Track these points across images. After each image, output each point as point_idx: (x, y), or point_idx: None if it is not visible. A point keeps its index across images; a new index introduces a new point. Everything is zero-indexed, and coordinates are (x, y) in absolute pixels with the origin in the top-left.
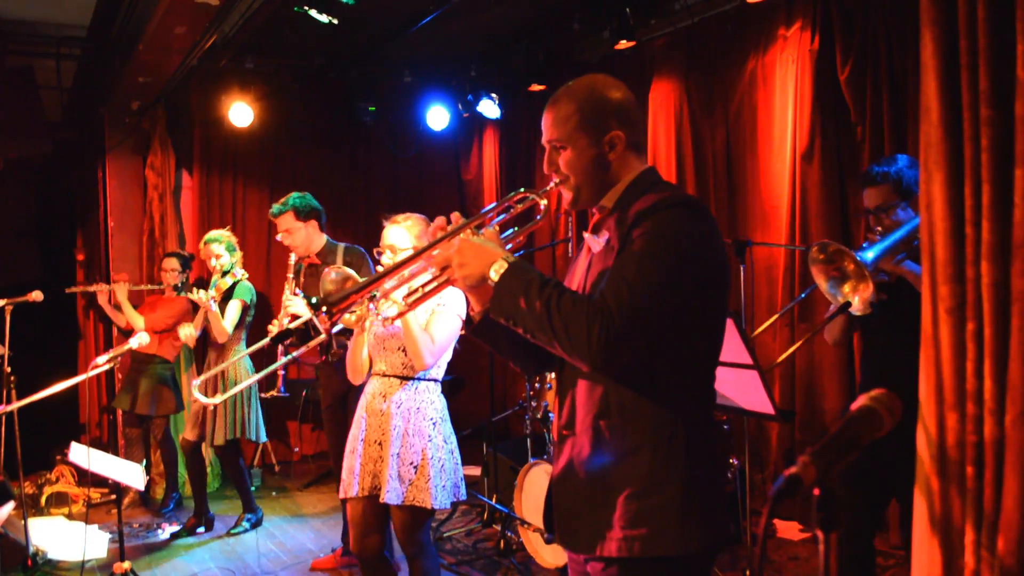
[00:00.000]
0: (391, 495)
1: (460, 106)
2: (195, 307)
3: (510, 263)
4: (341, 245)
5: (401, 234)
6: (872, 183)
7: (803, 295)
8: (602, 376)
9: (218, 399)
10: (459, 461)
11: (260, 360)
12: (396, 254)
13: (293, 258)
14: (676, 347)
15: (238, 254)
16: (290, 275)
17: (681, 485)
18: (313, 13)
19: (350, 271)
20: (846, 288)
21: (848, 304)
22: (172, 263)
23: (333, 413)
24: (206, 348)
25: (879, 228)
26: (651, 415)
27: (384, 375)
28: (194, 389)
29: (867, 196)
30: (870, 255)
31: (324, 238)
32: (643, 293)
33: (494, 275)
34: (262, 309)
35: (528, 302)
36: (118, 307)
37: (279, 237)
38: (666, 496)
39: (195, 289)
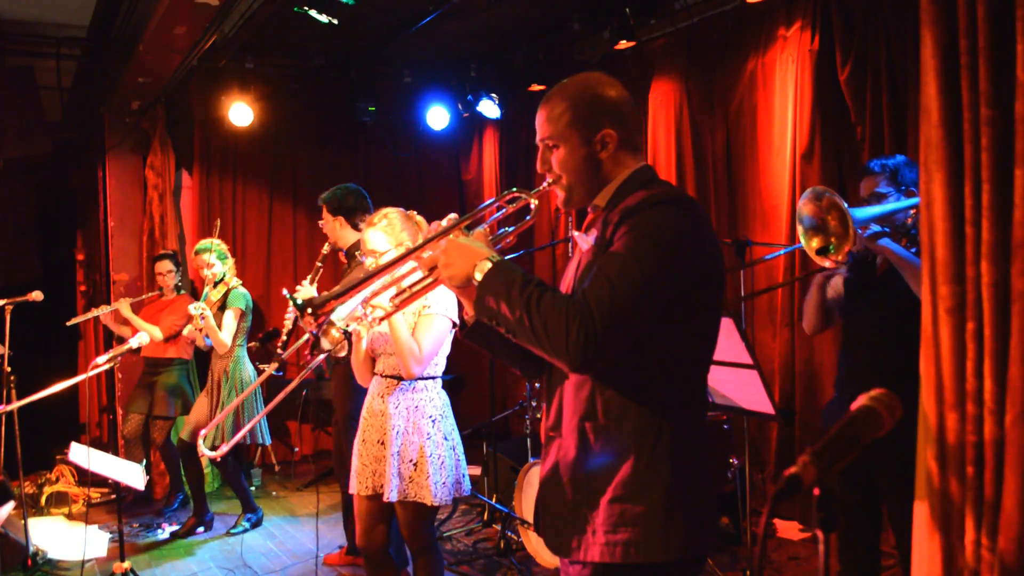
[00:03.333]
0: (392, 493)
1: (460, 106)
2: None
3: (494, 263)
4: None
5: (379, 237)
6: (869, 173)
7: (796, 246)
8: (589, 377)
9: (222, 450)
10: (461, 457)
11: (257, 366)
12: (379, 257)
13: (327, 248)
14: (662, 348)
15: (230, 261)
16: (318, 263)
17: (665, 491)
18: (313, 13)
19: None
20: (815, 241)
21: (823, 251)
22: (166, 265)
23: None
24: (208, 355)
25: None
26: (636, 418)
27: (383, 375)
28: (200, 444)
29: (863, 185)
30: (861, 214)
31: (356, 236)
32: (625, 293)
33: (478, 275)
34: (264, 308)
35: (509, 302)
36: (121, 321)
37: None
38: (649, 502)
39: (192, 305)
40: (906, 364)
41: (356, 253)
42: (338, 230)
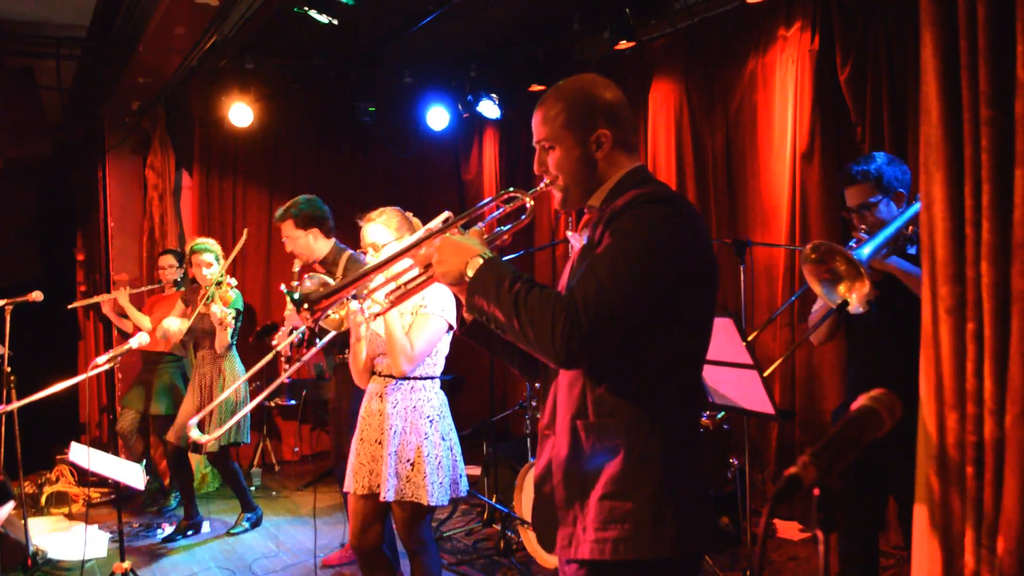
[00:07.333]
0: (389, 493)
1: (460, 106)
2: (186, 305)
3: (486, 259)
4: (347, 252)
5: (379, 230)
6: (853, 182)
7: (794, 297)
8: (581, 375)
9: (215, 435)
10: (459, 458)
11: (254, 365)
12: (379, 251)
13: (297, 265)
14: (653, 346)
15: (224, 263)
16: (294, 283)
17: (655, 488)
18: (313, 13)
19: (326, 278)
20: (841, 288)
21: (846, 304)
22: (169, 260)
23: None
24: (196, 350)
25: (863, 226)
26: (627, 415)
27: (380, 375)
28: (192, 430)
29: (848, 195)
30: (865, 251)
31: (329, 245)
32: (612, 290)
33: (470, 272)
34: (264, 308)
35: (498, 297)
36: (122, 313)
37: (284, 241)
38: (640, 498)
39: (211, 305)
40: (909, 366)
41: (340, 260)
42: (312, 243)
